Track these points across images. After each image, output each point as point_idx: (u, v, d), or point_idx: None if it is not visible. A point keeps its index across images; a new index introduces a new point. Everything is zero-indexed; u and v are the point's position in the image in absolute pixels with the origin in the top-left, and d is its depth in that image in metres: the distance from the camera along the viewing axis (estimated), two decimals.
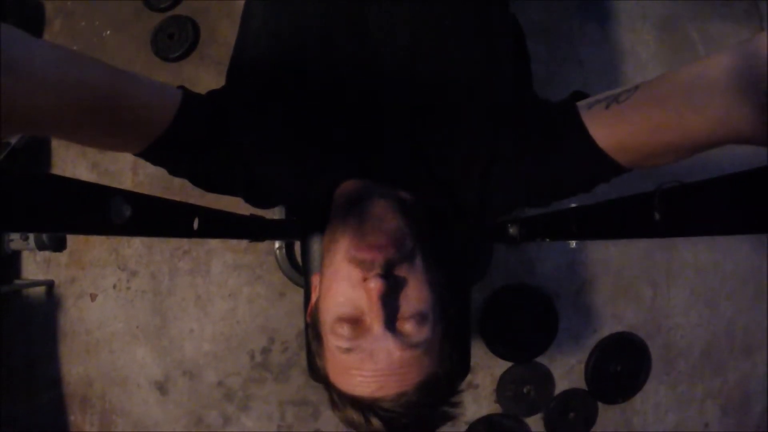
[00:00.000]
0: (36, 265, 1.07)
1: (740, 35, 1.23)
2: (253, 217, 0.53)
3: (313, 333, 0.38)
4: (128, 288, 1.03)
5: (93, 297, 1.05)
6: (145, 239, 1.01)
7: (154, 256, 1.03)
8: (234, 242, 1.01)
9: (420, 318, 0.34)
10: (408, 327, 0.34)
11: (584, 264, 1.06)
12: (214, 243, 1.01)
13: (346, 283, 0.34)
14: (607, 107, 0.32)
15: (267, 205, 0.45)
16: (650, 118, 0.29)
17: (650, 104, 0.29)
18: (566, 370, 1.04)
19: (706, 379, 1.11)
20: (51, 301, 1.06)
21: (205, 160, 0.38)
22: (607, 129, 0.32)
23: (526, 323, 1.01)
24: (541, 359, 1.03)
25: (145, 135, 0.33)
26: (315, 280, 0.41)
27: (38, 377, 1.05)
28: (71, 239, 1.03)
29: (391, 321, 0.33)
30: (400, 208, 0.36)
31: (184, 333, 1.02)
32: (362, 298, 0.34)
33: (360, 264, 0.34)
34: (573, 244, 0.38)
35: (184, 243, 1.01)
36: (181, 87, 0.37)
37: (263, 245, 0.98)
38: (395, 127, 0.41)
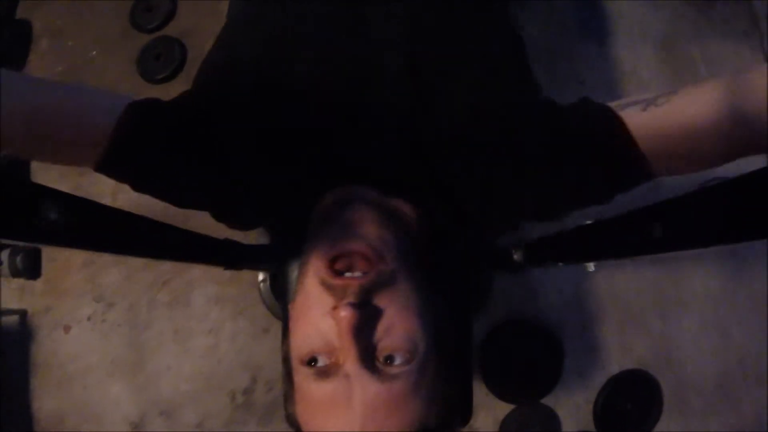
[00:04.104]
0: (10, 293, 1.02)
1: (741, 54, 1.21)
2: (225, 241, 0.48)
3: (284, 372, 0.33)
4: (104, 320, 0.99)
5: (67, 329, 1.00)
6: (123, 268, 0.97)
7: (132, 286, 0.99)
8: (217, 273, 0.96)
9: (404, 354, 0.29)
10: (390, 366, 0.29)
11: (590, 294, 1.01)
12: (195, 273, 0.96)
13: (316, 312, 0.30)
14: (644, 110, 0.30)
15: (239, 222, 0.40)
16: (691, 124, 0.28)
17: (691, 110, 0.28)
18: (573, 410, 0.99)
19: (720, 412, 1.06)
20: (24, 330, 1.01)
21: (169, 166, 0.34)
22: (644, 131, 0.30)
23: (529, 360, 0.96)
24: (547, 400, 0.97)
25: (89, 149, 0.31)
26: (291, 309, 0.35)
27: (7, 411, 0.99)
28: (47, 266, 0.99)
29: (368, 357, 0.29)
30: (383, 217, 0.32)
31: (161, 370, 0.97)
32: (334, 329, 0.29)
33: (330, 288, 0.29)
34: (591, 267, 0.33)
35: (165, 273, 0.96)
36: (148, 100, 0.34)
37: (247, 276, 0.93)
38: (390, 127, 0.36)
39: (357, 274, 0.30)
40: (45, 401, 0.99)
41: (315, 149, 0.36)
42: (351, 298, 0.29)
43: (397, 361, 0.29)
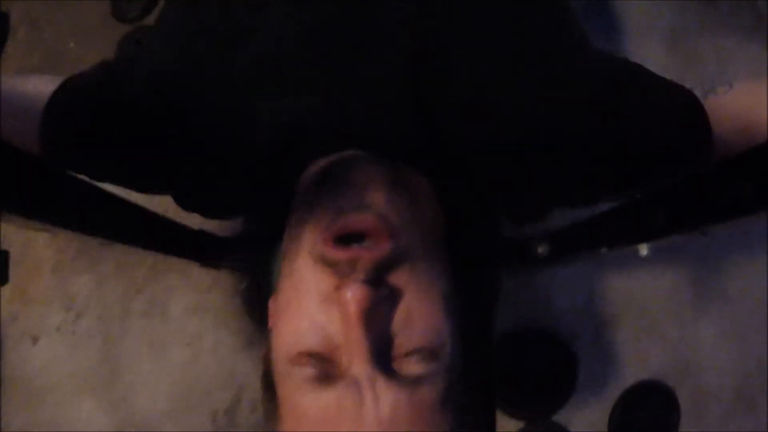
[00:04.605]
0: None
1: (749, 48, 1.18)
2: (199, 232, 0.43)
3: (264, 381, 0.25)
4: (74, 331, 0.92)
5: (34, 340, 0.93)
6: (95, 274, 0.90)
7: (104, 294, 0.92)
8: (196, 279, 0.90)
9: (429, 351, 0.23)
10: (412, 366, 0.23)
11: (604, 300, 0.96)
12: (172, 280, 0.90)
13: (309, 299, 0.24)
14: (704, 97, 0.29)
15: (205, 206, 0.34)
16: (747, 118, 0.28)
17: (749, 102, 0.28)
18: (587, 425, 0.93)
19: (739, 419, 1.02)
20: None
21: (107, 149, 0.31)
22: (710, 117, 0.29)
23: (540, 373, 0.91)
24: (559, 416, 0.92)
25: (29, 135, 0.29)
26: (271, 303, 0.28)
27: None
28: (14, 270, 0.93)
29: (382, 355, 0.22)
30: (397, 180, 0.25)
31: (137, 386, 0.90)
32: (335, 319, 0.23)
33: (332, 265, 0.23)
34: (645, 250, 0.26)
35: (139, 279, 0.90)
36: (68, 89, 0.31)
37: (229, 284, 0.87)
38: (397, 81, 0.29)
39: (367, 244, 0.23)
40: (12, 418, 0.92)
41: (296, 101, 0.29)
42: (361, 274, 0.22)
43: (421, 360, 0.23)
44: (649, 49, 1.11)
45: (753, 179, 0.20)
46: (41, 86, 0.31)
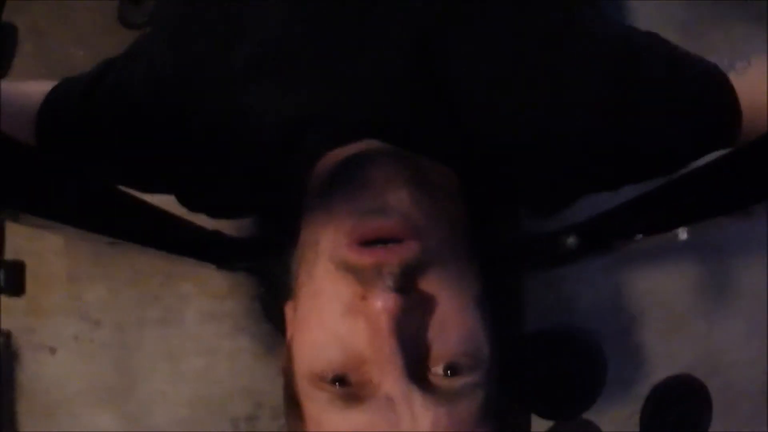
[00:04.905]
0: None
1: (762, 37, 1.21)
2: (214, 233, 0.42)
3: (286, 395, 0.24)
4: (91, 341, 0.92)
5: (51, 351, 0.93)
6: (110, 283, 0.90)
7: (120, 302, 0.92)
8: (212, 286, 0.89)
9: (467, 361, 0.22)
10: (451, 379, 0.21)
11: (629, 298, 0.94)
12: (188, 287, 0.89)
13: (332, 310, 0.22)
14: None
15: (208, 207, 0.33)
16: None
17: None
18: (619, 424, 0.91)
19: None
20: (8, 353, 0.94)
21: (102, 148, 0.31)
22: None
23: (568, 372, 0.89)
24: (589, 414, 0.90)
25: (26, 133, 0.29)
26: (288, 310, 0.28)
27: None
28: (30, 282, 0.92)
29: (418, 368, 0.21)
30: (418, 175, 0.24)
31: (155, 396, 0.89)
32: (361, 332, 0.21)
33: (355, 272, 0.21)
34: (684, 234, 0.23)
35: (154, 287, 0.89)
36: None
37: (246, 289, 0.86)
38: (405, 69, 0.28)
39: (392, 246, 0.21)
40: (31, 430, 0.91)
41: (299, 92, 0.28)
42: (389, 281, 0.20)
43: (461, 371, 0.21)
44: None
45: None
46: (40, 86, 0.31)
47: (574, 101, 0.27)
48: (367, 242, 0.22)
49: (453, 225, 0.24)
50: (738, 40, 1.10)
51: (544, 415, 0.88)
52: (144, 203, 0.32)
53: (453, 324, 0.22)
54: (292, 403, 0.24)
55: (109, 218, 0.28)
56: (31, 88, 0.31)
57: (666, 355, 0.94)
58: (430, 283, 0.22)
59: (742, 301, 0.99)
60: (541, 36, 0.28)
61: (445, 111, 0.28)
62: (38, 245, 0.93)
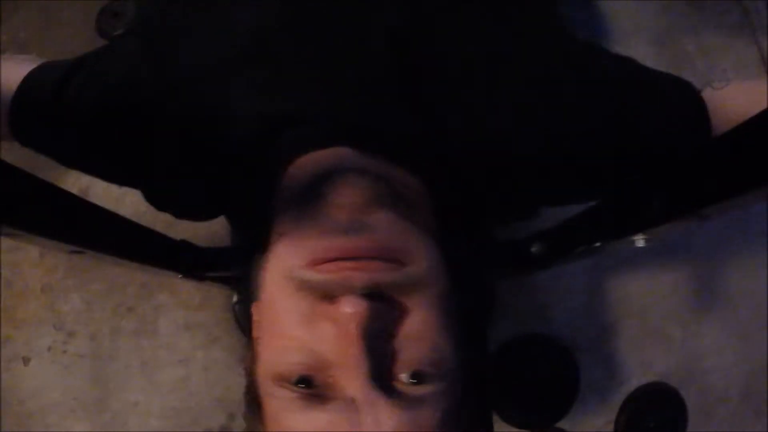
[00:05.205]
0: None
1: (735, 48, 1.18)
2: (181, 243, 0.42)
3: (247, 395, 0.24)
4: (64, 351, 0.91)
5: (26, 361, 0.92)
6: (85, 294, 0.89)
7: (94, 313, 0.91)
8: (186, 297, 0.89)
9: (432, 369, 0.21)
10: (416, 386, 0.21)
11: (603, 305, 0.95)
12: (162, 298, 0.89)
13: (291, 319, 0.22)
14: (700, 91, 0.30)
15: (175, 206, 0.33)
16: (742, 114, 0.25)
17: (743, 100, 0.28)
18: None
19: (746, 420, 1.00)
20: None
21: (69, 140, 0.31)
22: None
23: (541, 381, 0.89)
24: (563, 423, 0.90)
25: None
26: (255, 311, 0.27)
27: None
28: (4, 293, 0.92)
29: (383, 373, 0.21)
30: (395, 196, 0.24)
31: (128, 406, 0.88)
32: (328, 335, 0.21)
33: (316, 291, 0.21)
34: (641, 242, 0.27)
35: (128, 298, 0.89)
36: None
37: (220, 300, 0.85)
38: (382, 71, 0.28)
39: (363, 261, 0.21)
40: None
41: (273, 92, 0.28)
42: (358, 289, 0.21)
43: (426, 379, 0.21)
44: (636, 50, 1.13)
45: (746, 157, 0.19)
46: (18, 70, 0.31)
47: (546, 108, 0.28)
48: (331, 260, 0.22)
49: (425, 240, 0.24)
50: (711, 49, 1.12)
51: (517, 424, 0.88)
52: (111, 213, 0.31)
53: (420, 332, 0.22)
54: (254, 404, 0.24)
55: (74, 226, 0.28)
56: (8, 72, 0.31)
57: (640, 363, 0.94)
58: (400, 292, 0.22)
59: (717, 308, 0.99)
60: (518, 41, 0.29)
61: (420, 115, 0.28)
62: (13, 256, 0.92)
